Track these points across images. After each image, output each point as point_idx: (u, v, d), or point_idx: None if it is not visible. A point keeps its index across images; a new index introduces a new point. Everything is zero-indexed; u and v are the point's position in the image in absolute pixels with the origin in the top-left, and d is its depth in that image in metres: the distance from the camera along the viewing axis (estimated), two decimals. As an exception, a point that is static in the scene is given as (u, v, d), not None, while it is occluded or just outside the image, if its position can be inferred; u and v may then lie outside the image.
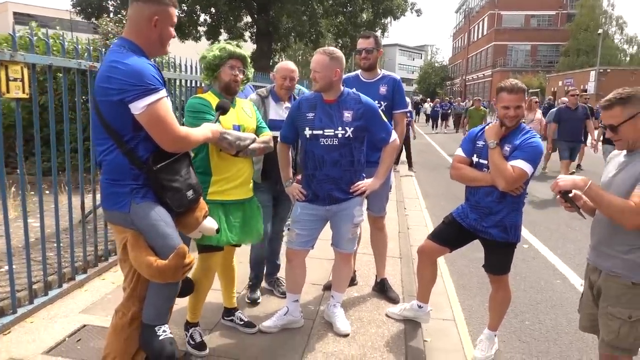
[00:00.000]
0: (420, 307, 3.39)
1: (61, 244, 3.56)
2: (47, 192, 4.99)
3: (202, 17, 20.21)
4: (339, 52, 2.94)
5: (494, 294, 3.12)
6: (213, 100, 2.70)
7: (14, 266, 3.29)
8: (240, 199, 2.80)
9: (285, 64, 3.46)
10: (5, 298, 3.09)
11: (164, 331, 2.15)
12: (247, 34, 21.49)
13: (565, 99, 9.40)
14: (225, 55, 2.72)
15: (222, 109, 2.58)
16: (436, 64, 72.33)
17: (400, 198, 8.07)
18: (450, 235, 3.11)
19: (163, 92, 2.02)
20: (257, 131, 2.88)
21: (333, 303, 3.32)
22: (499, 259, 2.99)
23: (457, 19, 71.30)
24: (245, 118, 2.83)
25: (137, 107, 1.95)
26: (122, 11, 12.11)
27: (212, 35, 20.27)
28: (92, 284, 3.76)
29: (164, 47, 2.19)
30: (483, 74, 52.08)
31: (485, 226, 2.92)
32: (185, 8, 18.94)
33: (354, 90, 3.15)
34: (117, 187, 2.08)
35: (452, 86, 66.87)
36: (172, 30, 2.18)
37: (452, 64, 71.37)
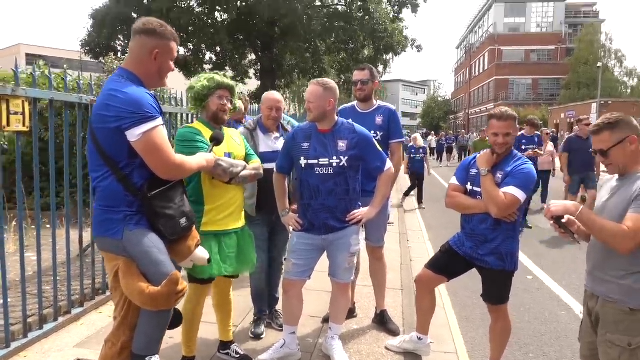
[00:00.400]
0: (420, 339, 3.32)
1: (58, 277, 3.55)
2: (48, 226, 5.01)
3: (208, 55, 20.75)
4: (332, 83, 3.01)
5: (493, 325, 3.06)
6: (202, 129, 2.74)
7: (10, 299, 3.29)
8: (233, 228, 2.80)
9: (271, 95, 3.48)
10: (-1, 332, 3.06)
11: None
12: (251, 71, 21.97)
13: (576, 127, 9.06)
14: (214, 86, 2.76)
15: (217, 140, 2.63)
16: (439, 99, 73.20)
17: (404, 230, 8.02)
18: (447, 263, 3.08)
19: (159, 121, 2.06)
20: (246, 158, 2.92)
21: (331, 335, 3.25)
22: (496, 288, 2.95)
23: (458, 55, 72.65)
24: (234, 146, 2.86)
25: (134, 135, 1.99)
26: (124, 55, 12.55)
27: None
28: (88, 318, 3.72)
29: (162, 79, 2.24)
30: (486, 108, 52.54)
31: (481, 254, 2.89)
32: (192, 47, 19.51)
33: (350, 120, 3.21)
34: (110, 213, 2.09)
35: (455, 120, 67.44)
36: (171, 64, 2.24)
37: (454, 98, 72.24)
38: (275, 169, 3.17)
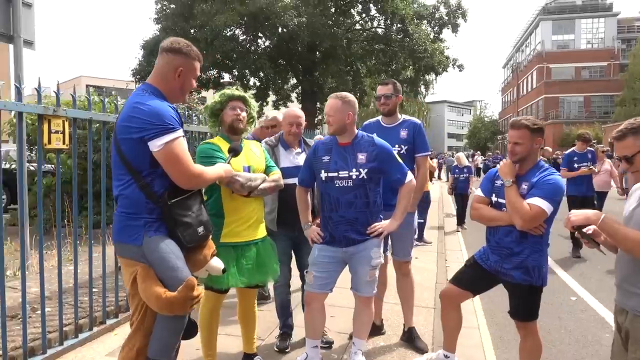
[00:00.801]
0: (447, 356, 3.22)
1: (95, 290, 3.72)
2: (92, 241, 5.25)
3: (252, 80, 21.38)
4: (351, 97, 3.05)
5: (522, 343, 2.93)
6: (222, 144, 2.84)
7: (49, 309, 3.47)
8: (253, 239, 2.86)
9: (291, 111, 3.56)
10: (36, 339, 3.22)
11: None
12: (293, 95, 22.39)
13: None
14: (225, 99, 2.89)
15: (234, 151, 2.71)
16: (486, 119, 71.61)
17: (442, 250, 7.85)
18: (471, 278, 3.00)
19: (180, 132, 2.16)
20: (267, 170, 2.98)
21: (354, 350, 3.21)
22: (523, 304, 2.83)
23: (504, 74, 71.21)
24: (254, 158, 2.94)
25: (156, 145, 2.09)
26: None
27: (261, 97, 21.29)
28: (122, 328, 3.84)
29: (183, 95, 2.36)
30: (535, 127, 50.90)
31: (506, 268, 2.80)
32: (236, 73, 20.18)
33: (374, 135, 3.25)
34: (131, 220, 2.17)
35: (503, 140, 65.61)
36: (193, 82, 2.36)
37: (502, 118, 70.44)
38: (297, 183, 3.22)
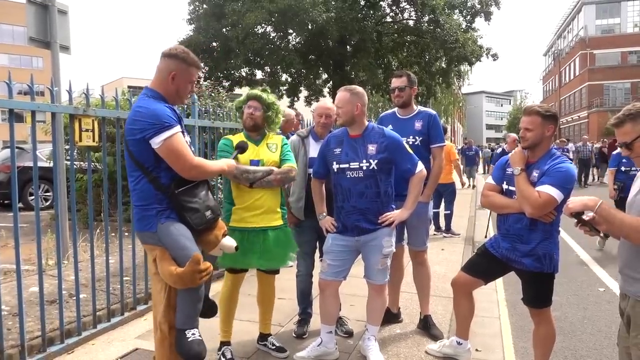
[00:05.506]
0: (459, 343, 3.27)
1: (127, 278, 3.95)
2: (127, 233, 5.56)
3: (284, 77, 21.62)
4: (359, 89, 3.15)
5: (535, 330, 2.95)
6: (236, 139, 3.10)
7: (85, 295, 3.73)
8: (261, 226, 3.03)
9: (322, 103, 3.73)
10: (72, 322, 3.48)
11: (193, 334, 2.38)
12: (325, 90, 22.48)
13: None
14: (245, 98, 3.17)
15: (240, 148, 2.95)
16: (526, 109, 69.49)
17: (470, 242, 7.79)
18: (482, 266, 3.03)
19: (177, 129, 2.34)
20: (282, 164, 3.14)
21: (367, 336, 3.31)
22: (535, 291, 2.85)
23: (546, 62, 68.84)
24: (266, 153, 3.12)
25: (156, 142, 2.29)
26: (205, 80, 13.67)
27: (293, 93, 21.49)
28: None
29: (181, 99, 2.52)
30: (578, 116, 49.09)
31: (517, 255, 2.82)
32: (268, 70, 20.46)
33: (390, 127, 3.33)
34: (145, 211, 2.39)
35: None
36: (189, 86, 2.50)
37: (543, 107, 68.22)
38: (312, 175, 3.34)
